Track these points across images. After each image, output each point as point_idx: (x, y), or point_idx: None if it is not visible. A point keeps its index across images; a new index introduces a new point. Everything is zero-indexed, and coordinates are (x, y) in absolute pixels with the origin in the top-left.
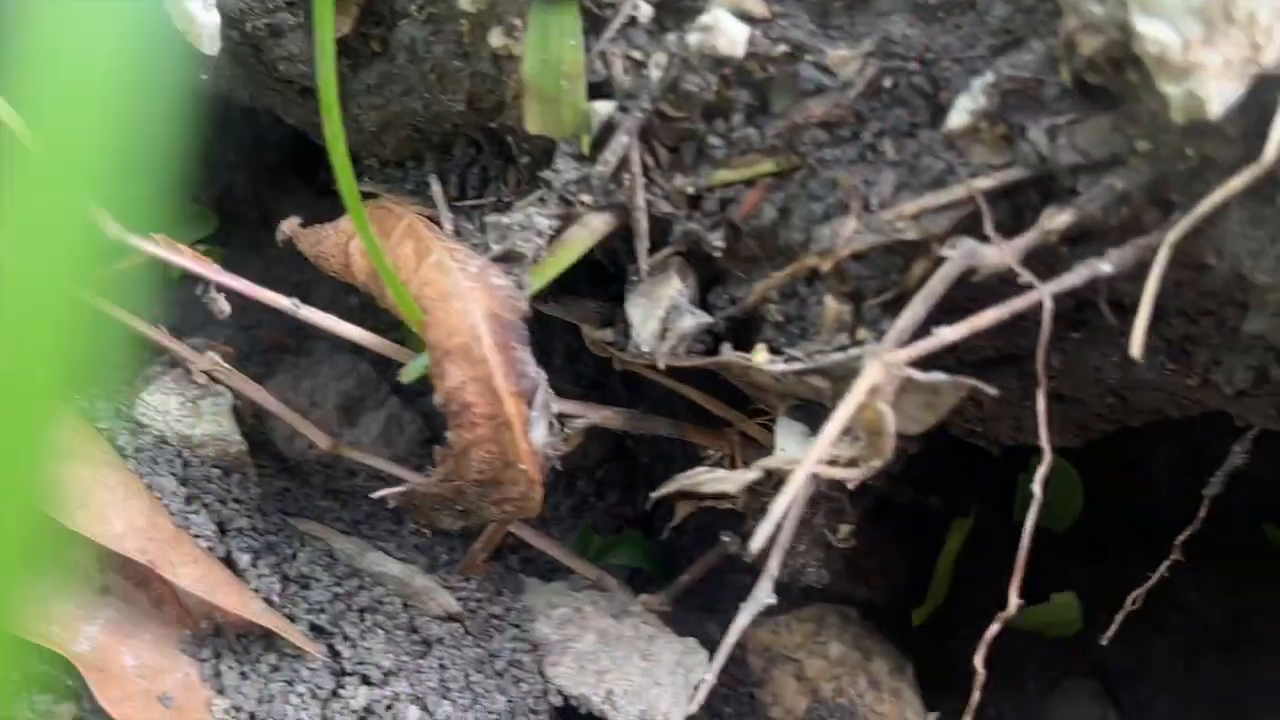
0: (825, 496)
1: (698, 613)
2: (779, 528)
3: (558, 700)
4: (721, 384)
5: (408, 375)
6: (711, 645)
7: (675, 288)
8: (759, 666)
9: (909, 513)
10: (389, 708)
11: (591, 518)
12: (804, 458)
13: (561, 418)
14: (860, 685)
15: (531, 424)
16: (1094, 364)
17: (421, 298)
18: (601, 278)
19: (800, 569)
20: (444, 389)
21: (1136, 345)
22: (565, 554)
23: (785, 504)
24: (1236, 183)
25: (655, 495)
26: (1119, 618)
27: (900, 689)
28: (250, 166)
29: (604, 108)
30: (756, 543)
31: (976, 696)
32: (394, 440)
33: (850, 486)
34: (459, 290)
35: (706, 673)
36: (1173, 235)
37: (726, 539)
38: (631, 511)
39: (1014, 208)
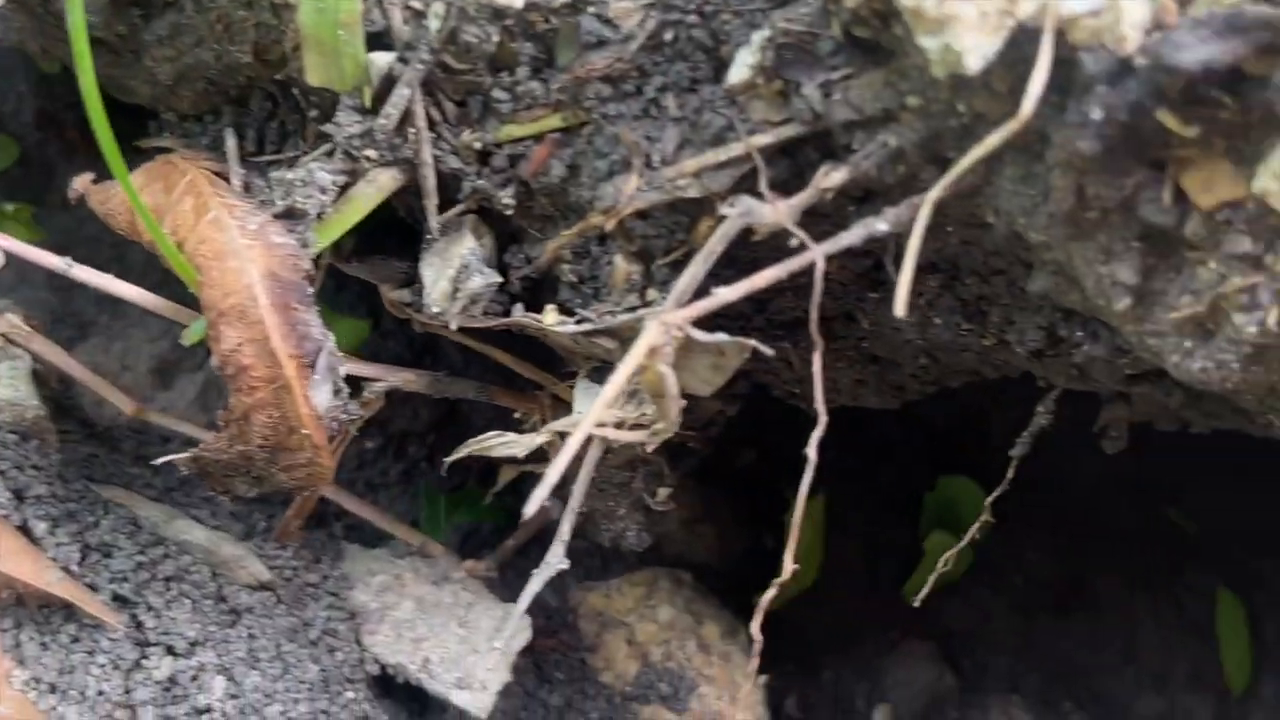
0: (642, 460)
1: (527, 577)
2: (568, 490)
3: (374, 669)
4: (542, 347)
5: (188, 338)
6: (540, 610)
7: (468, 246)
8: (591, 631)
9: (749, 476)
10: (194, 678)
11: (423, 483)
12: (581, 421)
13: (359, 381)
14: (689, 649)
15: (314, 388)
16: (894, 324)
17: (197, 256)
18: (411, 237)
19: (620, 533)
20: (220, 351)
21: (900, 304)
22: (387, 520)
23: (561, 467)
24: (994, 139)
25: (448, 460)
26: (931, 579)
27: (731, 652)
28: (60, 122)
29: (383, 59)
30: (530, 508)
31: (755, 662)
32: (211, 404)
33: (649, 449)
34: (235, 249)
35: (524, 638)
36: (934, 194)
37: (547, 504)
38: (463, 478)
39: (795, 166)
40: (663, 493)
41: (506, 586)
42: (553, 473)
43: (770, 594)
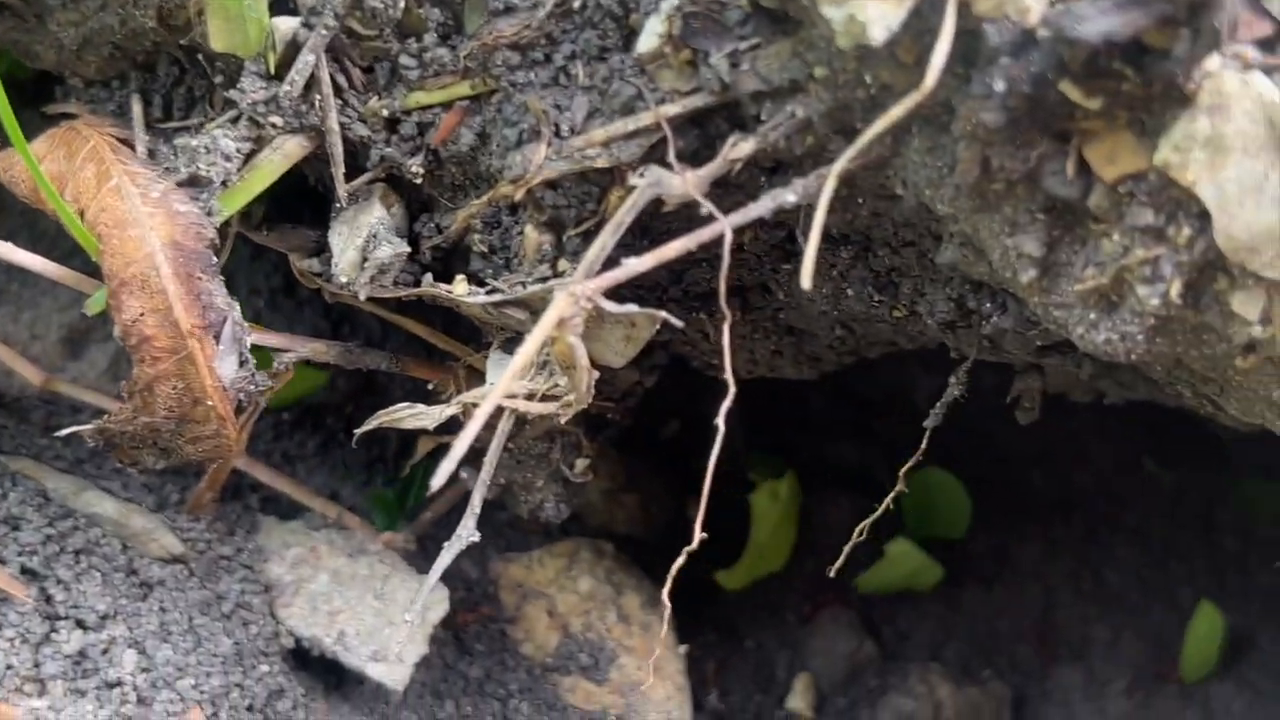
0: (560, 431)
1: None
2: (481, 461)
3: (289, 642)
4: (461, 319)
5: (91, 307)
6: (461, 582)
7: (377, 215)
8: (511, 603)
9: (674, 447)
10: (105, 652)
11: (341, 455)
12: (488, 393)
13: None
14: (609, 619)
15: (218, 358)
16: (809, 295)
17: (98, 225)
18: (325, 206)
19: (539, 504)
20: (122, 321)
21: (806, 276)
22: (303, 492)
23: (469, 438)
24: (898, 110)
25: (359, 432)
26: (846, 549)
27: (651, 623)
28: None
29: (288, 24)
30: (438, 479)
31: (666, 627)
32: (123, 375)
33: (564, 420)
34: (136, 217)
35: (441, 610)
36: (839, 165)
37: (464, 475)
38: (381, 450)
39: (705, 136)
40: (581, 464)
41: (425, 559)
42: (461, 444)
43: (680, 561)
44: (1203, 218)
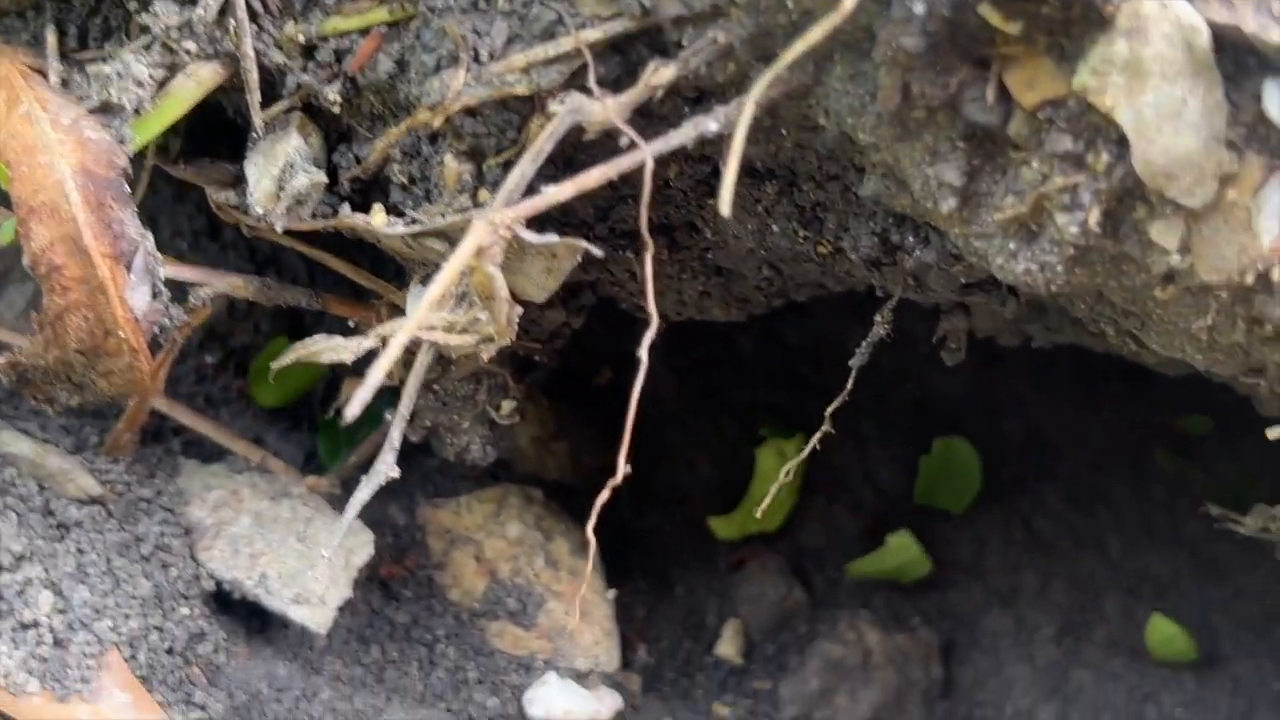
0: (486, 372)
1: (378, 494)
2: (395, 395)
3: (210, 585)
4: (387, 258)
5: (2, 236)
6: (389, 528)
7: (294, 145)
8: (439, 549)
9: (607, 394)
10: (20, 593)
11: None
12: (404, 324)
13: (183, 285)
14: (538, 565)
15: (130, 289)
16: (735, 233)
17: (7, 151)
18: (244, 141)
19: (465, 447)
20: (31, 250)
21: (725, 203)
22: (225, 435)
23: (384, 369)
24: (816, 32)
25: (275, 366)
26: (773, 490)
27: (580, 568)
28: None
29: None
30: (351, 409)
31: (590, 569)
32: None
33: (487, 358)
34: (46, 143)
35: (365, 554)
36: (759, 88)
37: (389, 416)
38: (306, 394)
39: (627, 63)
40: (507, 405)
41: None
42: (375, 373)
43: (604, 496)
44: (1121, 144)
